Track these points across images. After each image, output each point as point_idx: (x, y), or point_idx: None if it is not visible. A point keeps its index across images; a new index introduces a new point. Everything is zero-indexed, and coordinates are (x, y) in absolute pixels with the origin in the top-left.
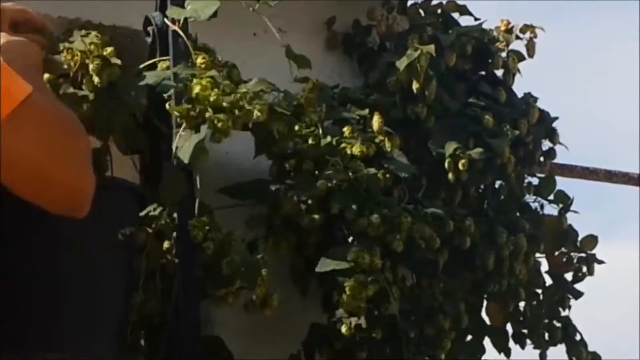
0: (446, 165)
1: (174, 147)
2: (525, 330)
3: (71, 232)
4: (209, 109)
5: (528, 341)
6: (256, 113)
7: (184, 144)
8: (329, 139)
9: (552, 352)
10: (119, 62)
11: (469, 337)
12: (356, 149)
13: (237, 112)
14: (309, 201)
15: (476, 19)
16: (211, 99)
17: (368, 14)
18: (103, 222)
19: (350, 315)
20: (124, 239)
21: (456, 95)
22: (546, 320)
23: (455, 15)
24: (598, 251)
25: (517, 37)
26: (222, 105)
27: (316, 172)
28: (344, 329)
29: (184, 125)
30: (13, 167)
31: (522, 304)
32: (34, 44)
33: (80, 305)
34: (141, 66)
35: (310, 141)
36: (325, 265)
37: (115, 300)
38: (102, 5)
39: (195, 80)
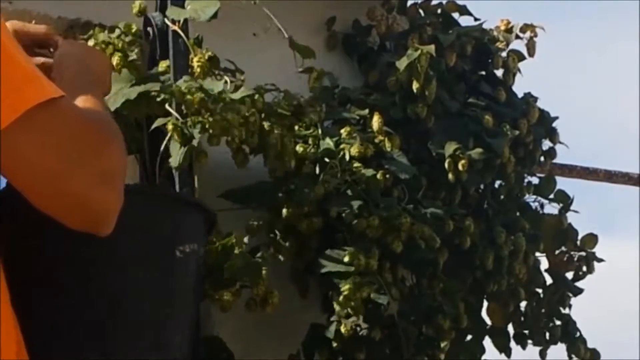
0: (446, 165)
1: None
2: (526, 331)
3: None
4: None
5: (529, 342)
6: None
7: (176, 148)
8: (327, 141)
9: (551, 350)
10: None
11: (469, 337)
12: (354, 150)
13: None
14: (309, 205)
15: (476, 19)
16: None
17: (368, 14)
18: (165, 238)
19: (347, 316)
20: (183, 256)
21: (456, 95)
22: (546, 319)
23: (455, 15)
24: (598, 251)
25: (517, 37)
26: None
27: (316, 173)
28: (343, 329)
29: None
30: (21, 169)
31: (522, 304)
32: (102, 53)
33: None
34: None
35: (309, 143)
36: (322, 267)
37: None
38: (102, 5)
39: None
